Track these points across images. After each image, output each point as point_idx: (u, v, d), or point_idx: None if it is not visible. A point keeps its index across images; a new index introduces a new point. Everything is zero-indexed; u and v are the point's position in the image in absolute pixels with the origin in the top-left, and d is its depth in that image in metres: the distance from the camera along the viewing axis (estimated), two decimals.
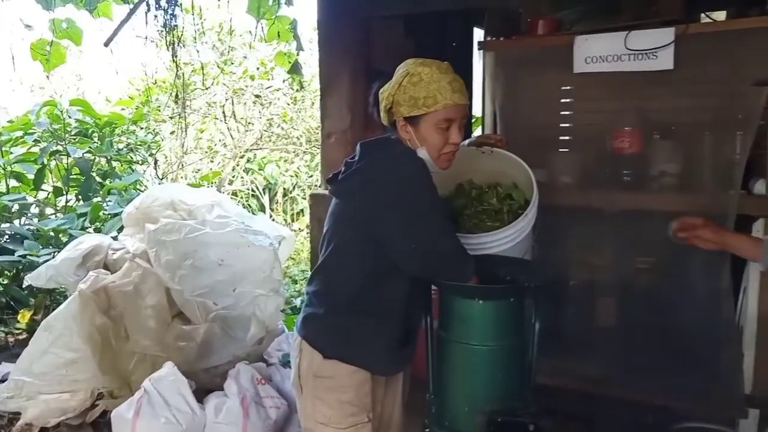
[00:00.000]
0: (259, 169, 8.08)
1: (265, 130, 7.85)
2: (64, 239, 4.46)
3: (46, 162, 5.03)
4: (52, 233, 4.52)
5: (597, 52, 2.42)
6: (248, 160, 8.09)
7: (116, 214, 4.50)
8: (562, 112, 2.76)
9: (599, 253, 2.69)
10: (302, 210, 7.76)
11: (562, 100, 2.74)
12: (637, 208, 2.47)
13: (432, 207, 1.80)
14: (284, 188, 8.07)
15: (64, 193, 5.14)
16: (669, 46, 2.27)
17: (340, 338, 1.87)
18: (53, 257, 3.70)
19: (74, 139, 5.23)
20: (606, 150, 2.57)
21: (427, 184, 1.78)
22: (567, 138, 2.74)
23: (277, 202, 8.07)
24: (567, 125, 2.74)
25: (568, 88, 2.69)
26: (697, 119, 2.44)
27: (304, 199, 7.64)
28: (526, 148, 2.48)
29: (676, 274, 2.50)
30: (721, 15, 2.32)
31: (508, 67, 2.72)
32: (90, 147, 5.22)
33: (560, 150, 2.72)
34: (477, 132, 4.60)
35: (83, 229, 4.61)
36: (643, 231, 2.53)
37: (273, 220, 7.71)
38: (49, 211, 5.15)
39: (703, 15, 2.32)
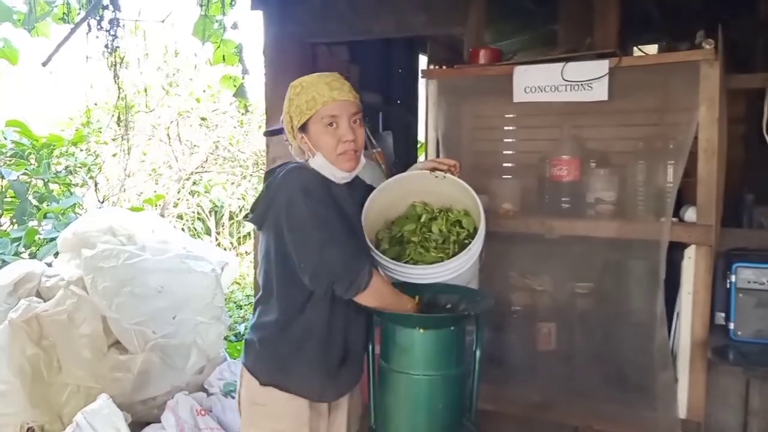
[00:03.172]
0: (205, 192, 7.96)
1: (211, 153, 7.75)
2: None
3: None
4: None
5: (535, 82, 2.47)
6: (194, 183, 7.95)
7: (52, 239, 4.36)
8: (503, 140, 2.81)
9: (539, 279, 2.73)
10: (249, 233, 7.67)
11: (503, 128, 2.79)
12: (575, 234, 2.51)
13: (313, 220, 1.76)
14: (231, 211, 7.96)
15: None
16: (603, 77, 2.34)
17: (275, 365, 1.87)
18: None
19: (9, 161, 5.05)
20: (545, 177, 2.62)
21: (310, 197, 1.77)
22: (508, 165, 2.79)
23: (223, 225, 7.95)
24: (508, 152, 2.79)
25: (509, 116, 2.74)
26: (631, 148, 2.51)
27: None
28: (468, 174, 2.51)
29: (612, 299, 2.55)
30: (653, 49, 2.40)
31: (450, 95, 2.75)
32: (26, 169, 5.05)
33: (501, 177, 2.76)
34: (421, 157, 4.64)
35: (17, 254, 4.44)
36: (581, 257, 2.59)
37: (219, 243, 7.59)
38: None
39: (636, 49, 2.40)
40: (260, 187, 2.00)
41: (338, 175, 1.88)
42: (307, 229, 1.76)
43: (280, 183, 1.80)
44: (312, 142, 1.86)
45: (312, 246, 1.75)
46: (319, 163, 1.86)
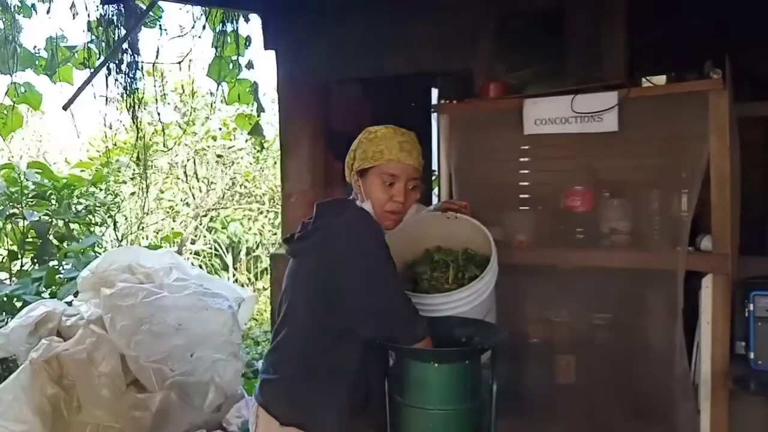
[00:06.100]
0: (222, 228, 8.03)
1: (227, 189, 7.85)
2: (18, 305, 4.34)
3: (1, 226, 4.93)
4: (5, 299, 4.39)
5: (545, 114, 2.50)
6: (211, 219, 8.04)
7: (72, 278, 4.40)
8: (515, 172, 2.82)
9: (557, 311, 2.71)
10: (266, 268, 7.70)
11: (514, 161, 2.80)
12: (591, 265, 2.51)
13: (384, 267, 1.81)
14: (248, 247, 8.01)
15: (19, 257, 5.02)
16: (613, 109, 2.36)
17: (297, 404, 1.84)
18: (5, 324, 3.59)
19: (31, 202, 5.15)
20: (559, 208, 2.62)
21: (380, 244, 1.81)
22: (521, 197, 2.79)
23: (240, 261, 7.99)
24: (520, 185, 2.80)
25: (520, 148, 2.75)
26: (644, 178, 2.51)
27: (269, 257, 7.59)
28: (481, 207, 2.52)
29: (630, 330, 2.53)
30: (661, 79, 2.41)
31: (462, 129, 2.79)
32: (47, 210, 5.14)
33: (514, 209, 2.76)
34: (435, 191, 4.67)
35: (38, 294, 4.48)
36: (597, 287, 2.57)
37: (236, 279, 7.62)
38: (2, 275, 5.02)
39: (644, 80, 2.41)
40: (277, 220, 2.01)
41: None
42: (379, 275, 1.79)
43: (347, 223, 1.82)
44: (365, 190, 1.90)
45: (382, 294, 1.79)
46: (367, 208, 1.89)
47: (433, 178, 4.94)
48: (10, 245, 5.11)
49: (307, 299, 1.84)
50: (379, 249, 1.80)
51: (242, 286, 7.11)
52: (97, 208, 5.74)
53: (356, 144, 1.94)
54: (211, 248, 7.84)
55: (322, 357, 1.82)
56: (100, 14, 4.19)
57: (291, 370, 1.86)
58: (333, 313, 1.79)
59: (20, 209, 4.94)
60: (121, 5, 4.11)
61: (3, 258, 5.14)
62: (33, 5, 4.72)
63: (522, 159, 2.82)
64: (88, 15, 4.33)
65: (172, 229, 7.51)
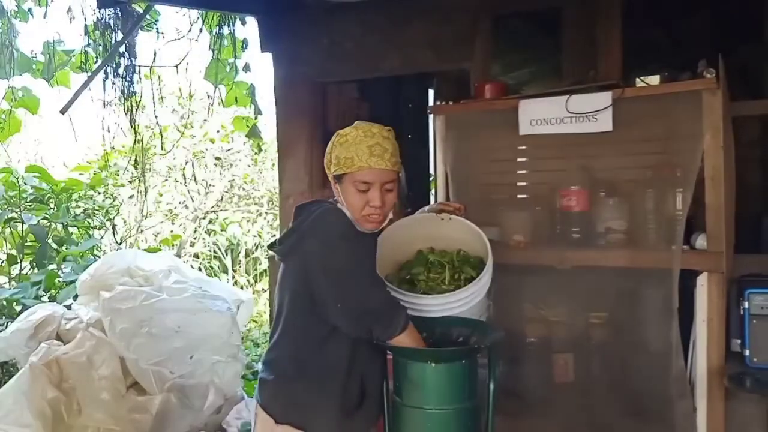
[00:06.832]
0: (222, 230, 8.04)
1: (226, 192, 7.85)
2: (18, 309, 4.34)
3: None
4: (4, 303, 4.39)
5: (541, 115, 2.51)
6: (210, 222, 8.05)
7: (72, 282, 4.41)
8: (511, 173, 2.83)
9: (554, 310, 2.73)
10: (266, 270, 7.69)
11: (511, 161, 2.82)
12: (587, 264, 2.52)
13: (355, 265, 1.81)
14: (247, 249, 8.02)
15: (18, 261, 5.03)
16: (607, 109, 2.37)
17: (291, 404, 1.87)
18: (5, 328, 3.60)
19: (30, 206, 5.16)
20: (555, 208, 2.64)
21: (350, 241, 1.82)
22: (517, 197, 2.81)
23: (239, 263, 8.00)
24: (516, 185, 2.82)
25: (516, 149, 2.76)
26: (638, 177, 2.52)
27: (267, 258, 7.60)
28: (478, 207, 2.54)
29: (627, 328, 2.54)
30: (655, 79, 2.43)
31: (458, 130, 2.79)
32: (46, 213, 5.15)
33: (511, 209, 2.77)
34: (433, 190, 4.68)
35: (37, 297, 4.49)
36: (594, 287, 2.58)
37: (236, 281, 7.63)
38: (2, 279, 5.03)
39: (638, 80, 2.42)
40: (276, 222, 2.02)
41: (360, 228, 1.90)
42: (349, 272, 1.79)
43: (316, 222, 1.83)
44: (342, 195, 1.89)
45: (354, 289, 1.79)
46: (346, 212, 1.89)
47: (431, 178, 4.95)
48: (9, 249, 5.12)
49: (291, 300, 1.87)
50: (349, 245, 1.81)
51: (241, 288, 7.12)
52: (95, 212, 5.74)
53: (330, 147, 1.90)
54: (210, 250, 7.85)
55: (313, 356, 1.85)
56: (97, 18, 4.20)
57: (285, 370, 1.89)
58: (316, 313, 1.82)
59: (19, 213, 4.94)
60: (118, 9, 4.12)
61: (2, 262, 5.15)
62: (29, 9, 4.73)
63: (518, 159, 2.84)
64: (85, 19, 4.34)
65: (171, 231, 7.51)
